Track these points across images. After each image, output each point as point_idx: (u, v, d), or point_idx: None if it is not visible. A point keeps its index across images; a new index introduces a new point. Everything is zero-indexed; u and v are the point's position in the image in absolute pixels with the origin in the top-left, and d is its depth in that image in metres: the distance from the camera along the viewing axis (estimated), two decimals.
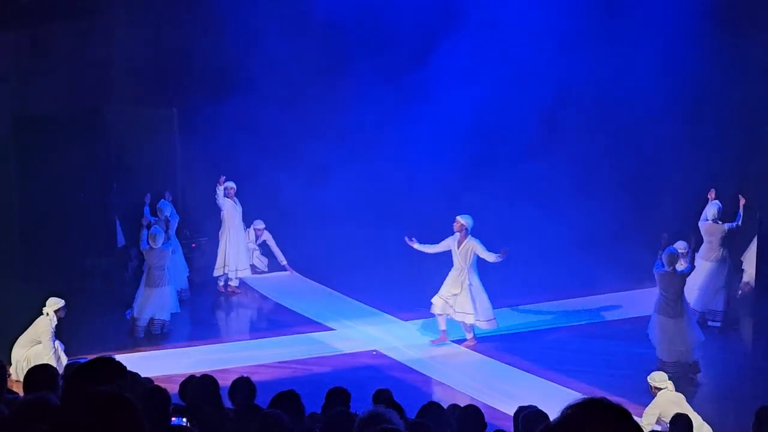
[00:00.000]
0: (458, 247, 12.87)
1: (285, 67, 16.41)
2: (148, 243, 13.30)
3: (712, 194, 13.99)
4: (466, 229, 12.86)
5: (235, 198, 15.50)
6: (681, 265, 12.73)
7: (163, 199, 14.72)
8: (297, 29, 16.41)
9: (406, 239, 13.25)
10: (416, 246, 13.29)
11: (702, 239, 13.93)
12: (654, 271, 11.87)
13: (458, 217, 12.96)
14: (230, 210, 15.39)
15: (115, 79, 15.47)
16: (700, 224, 13.98)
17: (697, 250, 13.38)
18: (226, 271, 15.54)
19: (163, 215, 14.33)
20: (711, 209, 13.80)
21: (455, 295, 12.84)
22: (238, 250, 15.54)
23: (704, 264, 13.79)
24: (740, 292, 14.63)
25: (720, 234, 13.74)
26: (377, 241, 14.22)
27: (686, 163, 15.97)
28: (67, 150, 14.82)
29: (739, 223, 13.72)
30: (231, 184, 15.38)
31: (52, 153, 14.68)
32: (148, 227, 13.57)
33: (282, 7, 16.50)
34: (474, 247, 12.81)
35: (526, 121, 15.93)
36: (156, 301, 13.35)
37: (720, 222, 13.83)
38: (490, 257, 12.73)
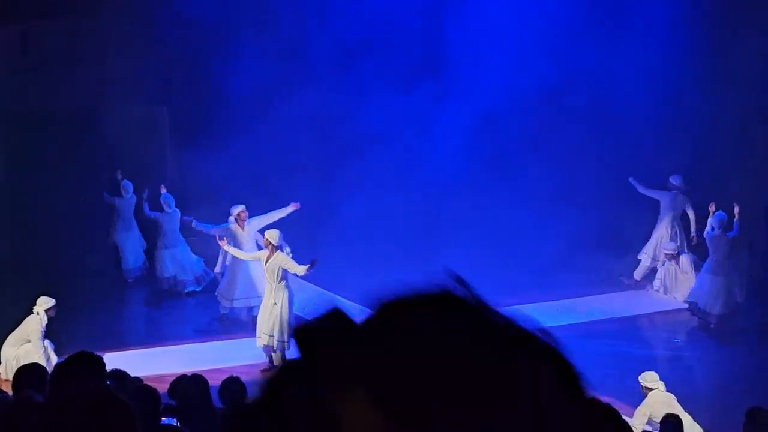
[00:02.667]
0: (266, 263, 12.00)
1: (278, 65, 16.35)
2: (163, 208, 14.90)
3: (712, 207, 13.88)
4: (273, 245, 11.98)
5: (246, 221, 13.78)
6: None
7: (164, 193, 15.37)
8: (292, 27, 16.37)
9: (219, 241, 13.08)
10: (225, 247, 13.13)
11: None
12: (704, 236, 13.74)
13: (265, 234, 12.24)
14: (236, 238, 13.77)
15: (106, 76, 15.40)
16: (706, 236, 13.83)
17: (729, 229, 13.46)
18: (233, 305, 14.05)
19: (170, 208, 15.16)
20: (715, 220, 13.51)
21: (269, 317, 11.99)
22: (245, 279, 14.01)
23: (712, 279, 13.49)
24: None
25: (726, 246, 13.43)
26: (365, 239, 14.16)
27: (673, 168, 15.97)
28: (58, 147, 14.78)
29: (737, 233, 13.46)
30: (239, 209, 13.95)
31: (42, 150, 14.64)
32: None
33: (277, 7, 16.47)
34: (281, 261, 11.92)
35: (514, 125, 15.92)
36: (177, 260, 14.89)
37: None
38: (300, 270, 11.95)
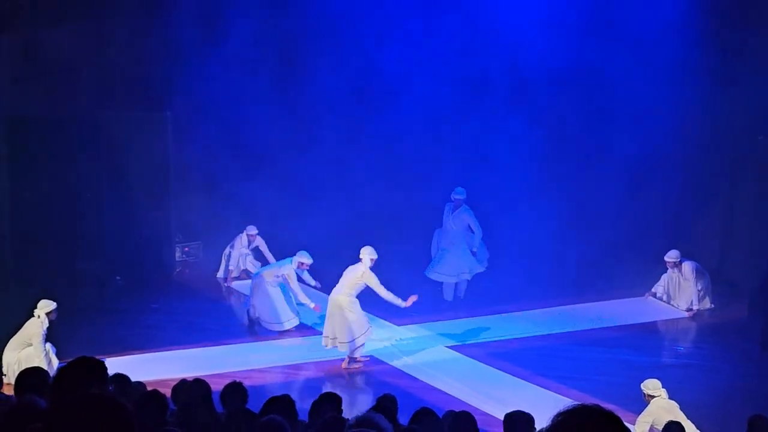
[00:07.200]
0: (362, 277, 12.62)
1: (279, 70, 16.38)
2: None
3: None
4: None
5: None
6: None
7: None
8: (288, 26, 16.44)
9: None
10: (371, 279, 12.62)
11: None
12: None
13: (365, 253, 12.62)
14: (289, 280, 14.18)
15: (108, 82, 15.41)
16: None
17: None
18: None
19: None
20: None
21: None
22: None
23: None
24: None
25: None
26: (370, 244, 14.14)
27: (680, 173, 15.97)
28: (59, 153, 14.78)
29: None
30: (305, 258, 14.17)
31: (44, 156, 14.65)
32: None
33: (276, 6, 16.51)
34: (369, 278, 12.53)
35: (514, 127, 15.92)
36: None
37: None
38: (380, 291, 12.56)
